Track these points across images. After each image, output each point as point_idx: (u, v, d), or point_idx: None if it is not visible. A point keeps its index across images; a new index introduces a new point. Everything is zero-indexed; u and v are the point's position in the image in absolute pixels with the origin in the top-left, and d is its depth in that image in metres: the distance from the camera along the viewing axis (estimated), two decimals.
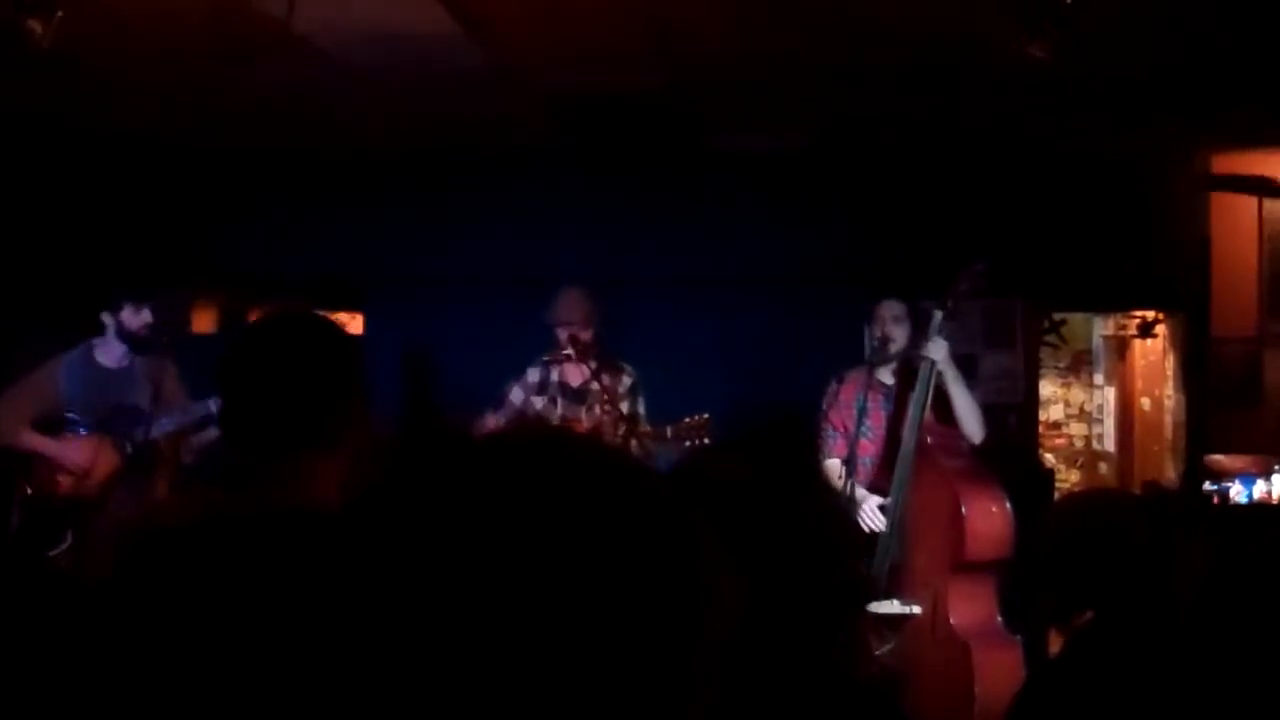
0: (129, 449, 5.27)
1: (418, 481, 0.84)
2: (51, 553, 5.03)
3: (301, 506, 1.97)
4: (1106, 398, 10.25)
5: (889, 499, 4.95)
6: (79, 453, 5.25)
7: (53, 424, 5.32)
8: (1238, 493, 6.39)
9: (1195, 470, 6.78)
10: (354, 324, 8.00)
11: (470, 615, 0.75)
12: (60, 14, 3.95)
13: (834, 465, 5.26)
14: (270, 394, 2.06)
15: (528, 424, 5.63)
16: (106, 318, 5.41)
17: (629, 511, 0.81)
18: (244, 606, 1.81)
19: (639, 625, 0.77)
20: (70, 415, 5.32)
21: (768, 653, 1.71)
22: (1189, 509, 6.39)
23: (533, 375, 5.83)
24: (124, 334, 5.41)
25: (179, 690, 1.79)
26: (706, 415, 5.33)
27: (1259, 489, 6.41)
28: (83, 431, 5.31)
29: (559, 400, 5.78)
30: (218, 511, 2.01)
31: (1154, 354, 8.82)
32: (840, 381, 5.43)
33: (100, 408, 5.33)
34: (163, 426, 5.29)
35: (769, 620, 1.71)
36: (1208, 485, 6.44)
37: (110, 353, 5.45)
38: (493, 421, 5.80)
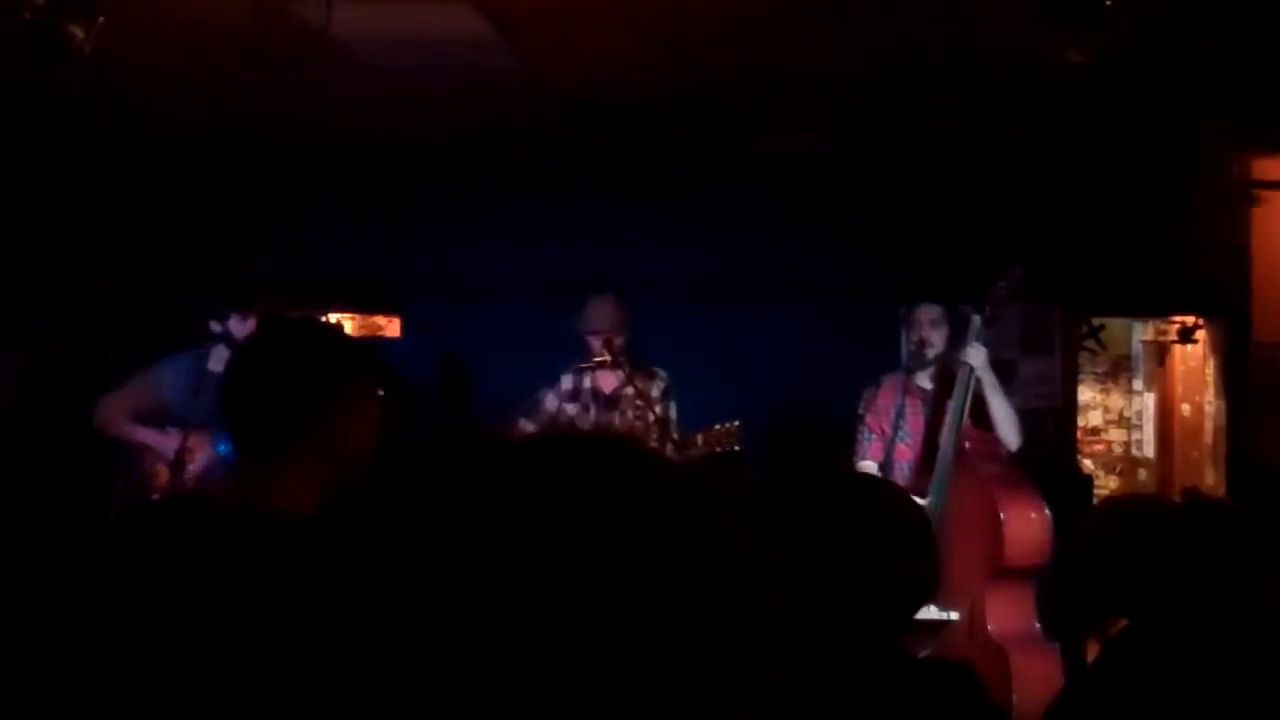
0: (221, 447, 5.39)
1: (459, 484, 0.83)
2: None
3: (270, 502, 2.05)
4: (1146, 403, 10.18)
5: (926, 503, 4.93)
6: (171, 443, 5.36)
7: (151, 422, 5.47)
8: None
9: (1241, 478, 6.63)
10: (391, 327, 8.04)
11: (503, 616, 0.75)
12: (101, 19, 3.98)
13: (869, 467, 5.24)
14: (249, 395, 2.15)
15: (563, 430, 5.65)
16: (215, 326, 5.51)
17: (666, 513, 0.81)
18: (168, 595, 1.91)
19: (683, 627, 0.77)
20: (176, 416, 5.45)
21: (844, 639, 1.74)
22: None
23: (566, 382, 5.85)
24: (231, 342, 5.50)
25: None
26: (737, 422, 5.33)
27: None
28: (180, 429, 5.45)
29: (592, 407, 5.80)
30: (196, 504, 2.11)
31: (1194, 359, 8.74)
32: (878, 386, 5.41)
33: (202, 411, 5.44)
34: None
35: (844, 610, 1.74)
36: None
37: (220, 360, 5.54)
38: (526, 427, 5.82)
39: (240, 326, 5.52)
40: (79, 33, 3.93)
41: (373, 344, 7.89)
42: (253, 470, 2.10)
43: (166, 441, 5.40)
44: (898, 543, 1.91)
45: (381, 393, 2.33)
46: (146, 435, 5.42)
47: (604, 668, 0.75)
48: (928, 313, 5.29)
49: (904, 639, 4.53)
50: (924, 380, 5.33)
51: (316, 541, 1.98)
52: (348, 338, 2.52)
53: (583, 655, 0.75)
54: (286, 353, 2.19)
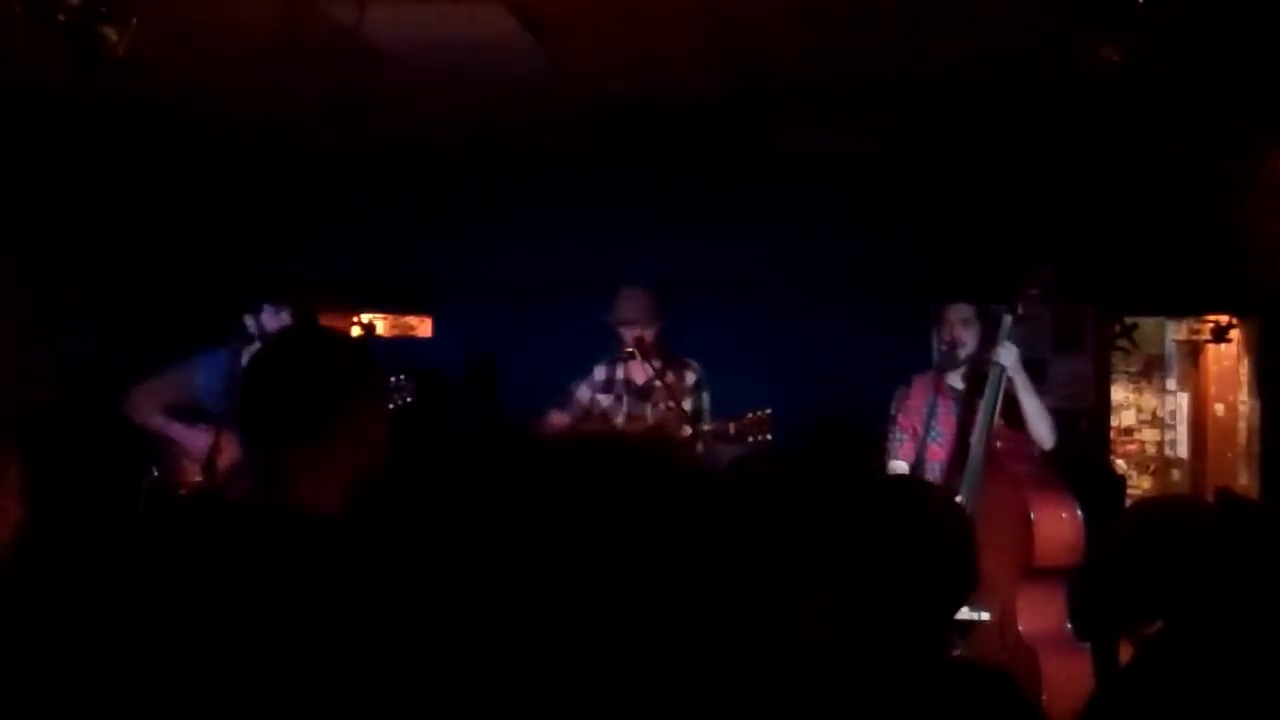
0: None
1: (485, 489, 0.83)
2: None
3: (284, 502, 2.07)
4: (1179, 403, 10.11)
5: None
6: (206, 441, 5.40)
7: (183, 416, 5.51)
8: None
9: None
10: (423, 327, 8.07)
11: (533, 618, 0.75)
12: (135, 21, 4.01)
13: (899, 467, 5.22)
14: (262, 394, 2.18)
15: (590, 428, 5.67)
16: (249, 320, 5.53)
17: (696, 517, 0.81)
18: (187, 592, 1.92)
19: (718, 633, 0.77)
20: (207, 410, 5.49)
21: (887, 641, 1.74)
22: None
23: (599, 373, 5.88)
24: (264, 337, 5.53)
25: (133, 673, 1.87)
26: (769, 410, 5.31)
27: None
28: (209, 425, 5.48)
29: (624, 398, 5.82)
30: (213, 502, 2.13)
31: (1228, 359, 8.68)
32: (910, 385, 5.39)
33: (234, 405, 5.46)
34: None
35: (884, 612, 1.75)
36: None
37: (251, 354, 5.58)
38: (558, 419, 5.85)
39: (273, 320, 5.54)
40: (113, 35, 3.96)
41: (404, 344, 7.93)
42: (271, 469, 2.11)
43: (195, 438, 5.43)
44: (941, 544, 1.91)
45: (410, 399, 2.38)
46: (176, 430, 5.45)
47: (633, 673, 0.75)
48: (959, 312, 5.27)
49: (946, 643, 4.54)
50: (956, 380, 5.31)
51: (349, 541, 1.99)
52: (362, 344, 2.56)
53: (609, 660, 0.74)
54: (307, 353, 2.23)
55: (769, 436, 5.24)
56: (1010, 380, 4.94)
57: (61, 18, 3.87)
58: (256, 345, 5.54)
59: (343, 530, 2.03)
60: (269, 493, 2.08)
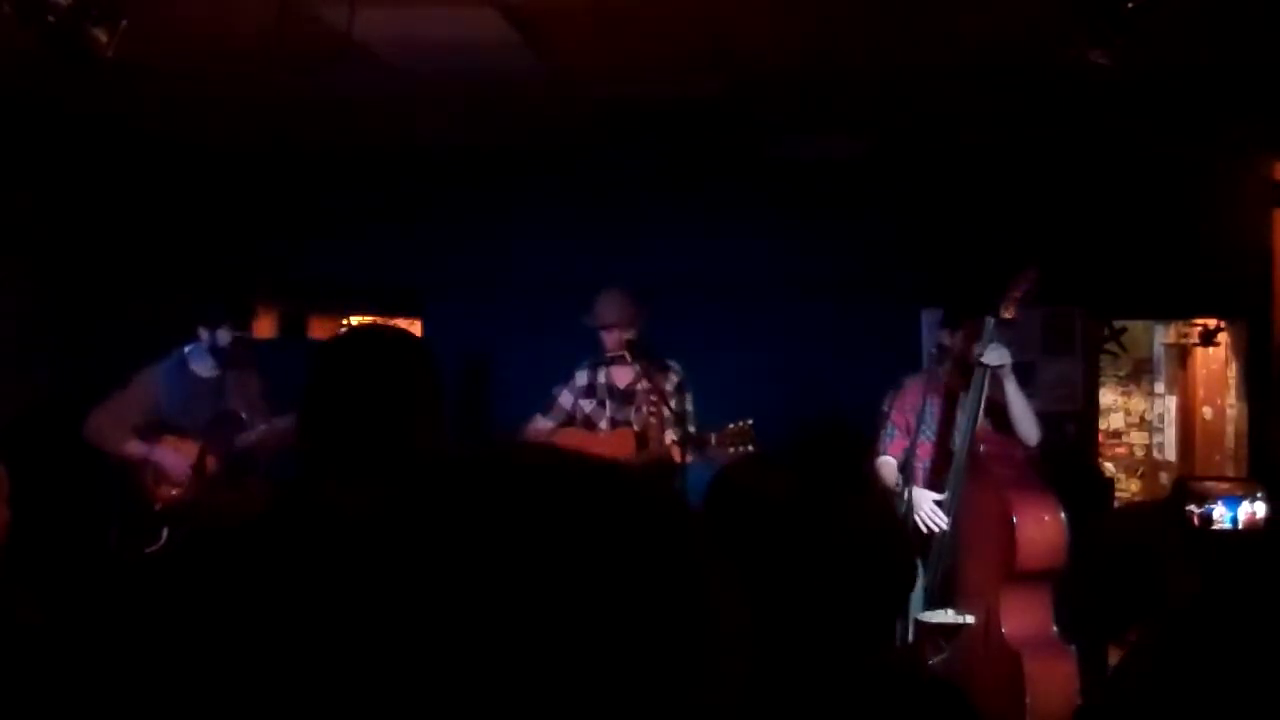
0: (229, 454, 5.44)
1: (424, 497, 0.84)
2: (148, 550, 5.27)
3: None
4: (1167, 406, 10.14)
5: (943, 497, 4.93)
6: (180, 458, 5.44)
7: (151, 430, 5.52)
8: (1220, 515, 6.01)
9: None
10: (412, 329, 8.07)
11: (470, 628, 0.76)
12: (125, 23, 4.01)
13: (888, 462, 5.22)
14: (355, 418, 2.05)
15: (572, 434, 5.69)
16: (203, 331, 5.56)
17: (616, 529, 0.82)
18: (295, 607, 1.83)
19: (631, 643, 0.78)
20: (169, 421, 5.49)
21: (821, 654, 1.72)
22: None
23: (581, 378, 5.87)
24: (216, 348, 5.55)
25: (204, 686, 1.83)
26: (750, 421, 5.33)
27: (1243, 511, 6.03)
28: (178, 438, 5.48)
29: (608, 402, 5.82)
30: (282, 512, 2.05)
31: (1216, 362, 8.71)
32: (904, 383, 5.40)
33: (199, 416, 5.50)
34: (259, 433, 5.54)
35: (818, 623, 1.72)
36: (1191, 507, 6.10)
37: (202, 363, 5.61)
38: (543, 424, 5.86)
39: (225, 334, 5.59)
40: (102, 36, 3.96)
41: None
42: (334, 486, 2.03)
43: (175, 459, 5.43)
44: (871, 544, 1.85)
45: None
46: (157, 454, 5.45)
47: (559, 678, 0.76)
48: (946, 315, 5.28)
49: (894, 650, 4.53)
50: (949, 381, 5.30)
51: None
52: (420, 343, 2.44)
53: (538, 666, 0.76)
54: (387, 369, 2.11)
55: (750, 448, 5.25)
56: (998, 381, 4.95)
57: (51, 19, 3.86)
58: (205, 354, 5.58)
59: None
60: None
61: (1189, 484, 6.35)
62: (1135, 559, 2.52)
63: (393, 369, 2.11)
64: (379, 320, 8.14)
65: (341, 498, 2.01)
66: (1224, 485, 6.26)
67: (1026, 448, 5.04)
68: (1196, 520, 5.93)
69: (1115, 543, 2.62)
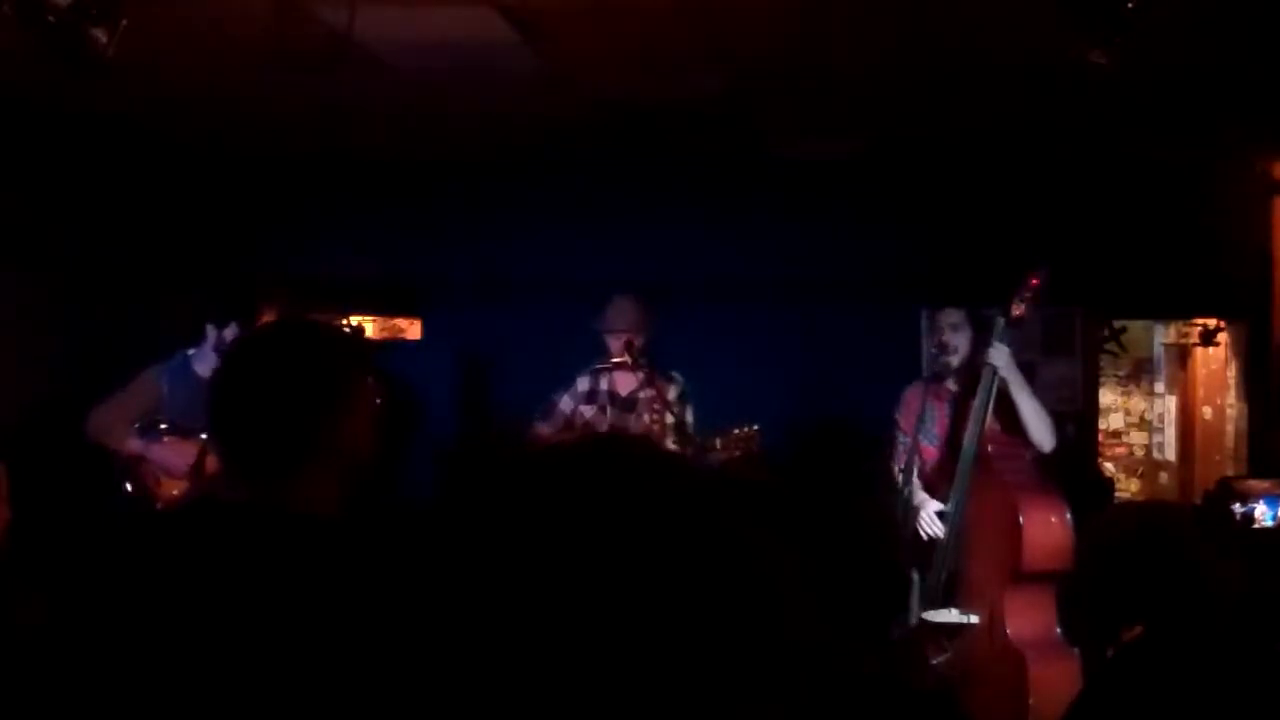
0: None
1: (487, 496, 0.84)
2: None
3: (282, 503, 2.00)
4: (1167, 406, 10.14)
5: (947, 505, 4.91)
6: (180, 458, 5.39)
7: (151, 429, 5.47)
8: (1262, 514, 6.10)
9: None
10: (412, 330, 8.06)
11: (543, 625, 0.75)
12: (124, 23, 4.00)
13: (896, 469, 5.22)
14: (258, 413, 2.04)
15: (587, 435, 5.63)
16: (211, 329, 5.53)
17: (695, 521, 0.81)
18: (208, 595, 1.86)
19: (710, 630, 0.77)
20: (171, 421, 5.47)
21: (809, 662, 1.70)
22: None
23: (582, 384, 5.81)
24: (222, 346, 5.54)
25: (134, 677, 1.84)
26: (756, 427, 5.29)
27: None
28: (178, 437, 5.47)
29: (608, 409, 5.76)
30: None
31: (1216, 362, 8.70)
32: (907, 391, 5.39)
33: (201, 416, 5.45)
34: None
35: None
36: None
37: (205, 364, 5.58)
38: (542, 430, 5.79)
39: (231, 333, 5.54)
40: (102, 36, 3.94)
41: (393, 347, 7.92)
42: (261, 485, 2.03)
43: (176, 458, 5.41)
44: (865, 550, 1.84)
45: (379, 400, 2.25)
46: (157, 453, 5.39)
47: (628, 669, 0.75)
48: (948, 316, 5.25)
49: (923, 642, 4.53)
50: (951, 383, 5.29)
51: (343, 541, 1.96)
52: (338, 334, 2.41)
53: (602, 657, 0.75)
54: (279, 370, 2.08)
55: (755, 452, 5.23)
56: (1005, 381, 4.92)
57: (51, 19, 3.85)
58: (209, 354, 5.56)
59: (337, 531, 2.00)
60: (263, 496, 2.02)
61: (1231, 483, 6.41)
62: (1129, 560, 2.51)
63: (299, 365, 2.08)
64: (376, 320, 8.15)
65: (239, 495, 2.02)
66: (1265, 484, 6.29)
67: (1036, 449, 5.01)
68: (1239, 519, 5.99)
69: (1108, 545, 2.61)
